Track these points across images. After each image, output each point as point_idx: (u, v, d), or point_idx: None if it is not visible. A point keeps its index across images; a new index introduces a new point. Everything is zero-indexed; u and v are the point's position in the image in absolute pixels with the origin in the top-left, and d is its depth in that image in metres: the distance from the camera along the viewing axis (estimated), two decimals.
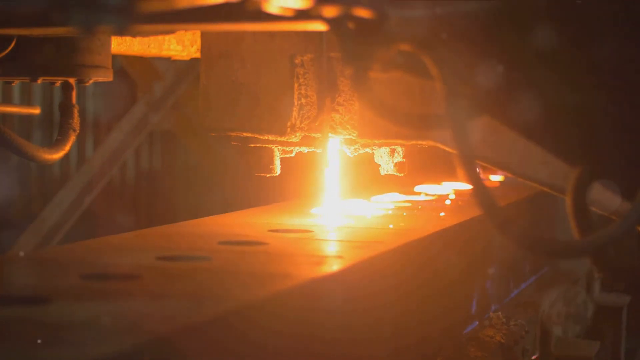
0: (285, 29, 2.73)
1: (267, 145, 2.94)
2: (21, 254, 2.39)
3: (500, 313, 3.40)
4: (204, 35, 2.95)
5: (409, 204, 3.60)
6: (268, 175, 2.98)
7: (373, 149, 2.98)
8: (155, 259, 2.26)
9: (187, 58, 3.37)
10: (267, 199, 4.14)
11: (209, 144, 7.92)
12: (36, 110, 3.56)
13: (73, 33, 2.72)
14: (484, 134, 2.53)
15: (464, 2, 1.93)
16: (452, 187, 4.26)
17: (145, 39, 3.19)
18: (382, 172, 3.03)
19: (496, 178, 4.92)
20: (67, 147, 3.19)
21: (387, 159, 2.99)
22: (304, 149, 2.97)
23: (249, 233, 2.73)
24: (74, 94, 3.18)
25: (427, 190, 4.15)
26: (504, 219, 1.90)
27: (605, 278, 5.31)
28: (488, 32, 1.93)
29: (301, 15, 1.87)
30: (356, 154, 2.97)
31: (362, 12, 1.89)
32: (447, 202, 3.84)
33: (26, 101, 7.90)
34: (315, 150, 2.96)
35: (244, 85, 2.86)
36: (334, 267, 2.25)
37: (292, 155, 2.99)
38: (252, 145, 2.94)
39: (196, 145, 8.07)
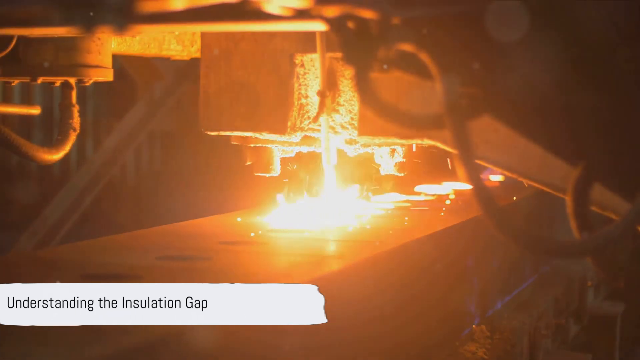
0: (285, 29, 2.72)
1: (267, 145, 2.94)
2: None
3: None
4: (204, 35, 2.95)
5: (409, 204, 3.60)
6: (268, 175, 2.98)
7: (373, 149, 2.98)
8: (155, 259, 2.26)
9: (187, 58, 3.37)
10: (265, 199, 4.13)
11: (209, 144, 7.92)
12: (36, 110, 3.56)
13: (73, 33, 2.72)
14: (484, 134, 2.52)
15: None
16: (452, 187, 4.26)
17: (145, 39, 3.19)
18: (382, 172, 3.02)
19: (496, 178, 4.91)
20: (67, 147, 3.19)
21: (387, 159, 2.99)
22: (304, 149, 2.96)
23: (249, 233, 2.72)
24: (74, 94, 3.18)
25: (427, 190, 4.15)
26: (504, 219, 1.89)
27: (605, 278, 5.27)
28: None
29: (301, 15, 1.87)
30: (356, 154, 2.97)
31: (363, 12, 1.88)
32: (447, 202, 3.84)
33: (26, 101, 7.90)
34: (315, 150, 2.96)
35: (244, 85, 2.86)
36: (334, 267, 2.25)
37: (292, 155, 2.99)
38: (252, 145, 2.94)
39: (196, 146, 8.07)
